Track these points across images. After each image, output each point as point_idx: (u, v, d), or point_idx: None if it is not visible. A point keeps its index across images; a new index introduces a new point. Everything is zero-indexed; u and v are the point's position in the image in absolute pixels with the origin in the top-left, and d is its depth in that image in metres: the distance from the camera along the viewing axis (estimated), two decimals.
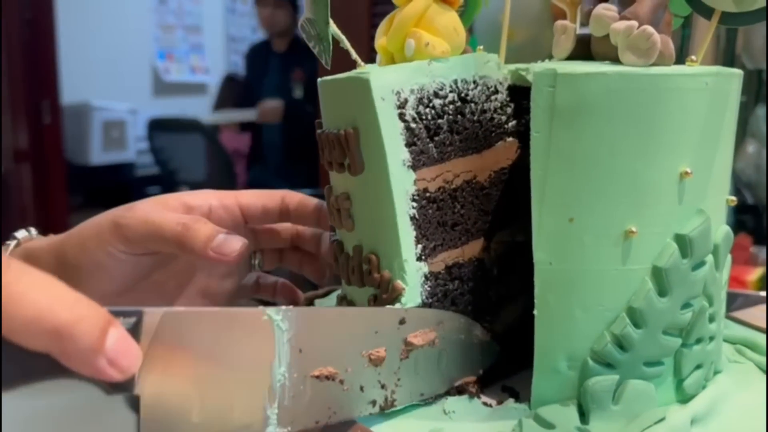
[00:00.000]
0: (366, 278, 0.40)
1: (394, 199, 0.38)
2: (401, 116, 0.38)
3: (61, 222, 2.55)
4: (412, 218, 0.39)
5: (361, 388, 0.36)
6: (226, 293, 0.50)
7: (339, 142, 0.39)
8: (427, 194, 0.40)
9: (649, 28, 0.35)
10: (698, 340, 0.38)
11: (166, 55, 3.96)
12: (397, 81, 0.38)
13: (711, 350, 0.40)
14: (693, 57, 0.37)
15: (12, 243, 0.47)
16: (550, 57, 0.42)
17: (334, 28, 0.39)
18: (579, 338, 0.36)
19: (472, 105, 0.41)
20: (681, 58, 0.37)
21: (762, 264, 1.32)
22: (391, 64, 0.41)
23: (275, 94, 2.54)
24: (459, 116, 0.41)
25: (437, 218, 0.40)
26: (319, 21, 0.39)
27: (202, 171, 2.82)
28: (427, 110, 0.39)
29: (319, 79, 0.41)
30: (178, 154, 2.91)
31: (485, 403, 0.40)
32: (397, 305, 0.38)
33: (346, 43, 0.40)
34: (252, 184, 2.63)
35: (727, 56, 1.41)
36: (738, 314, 0.52)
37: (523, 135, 0.43)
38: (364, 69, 0.39)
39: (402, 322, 0.37)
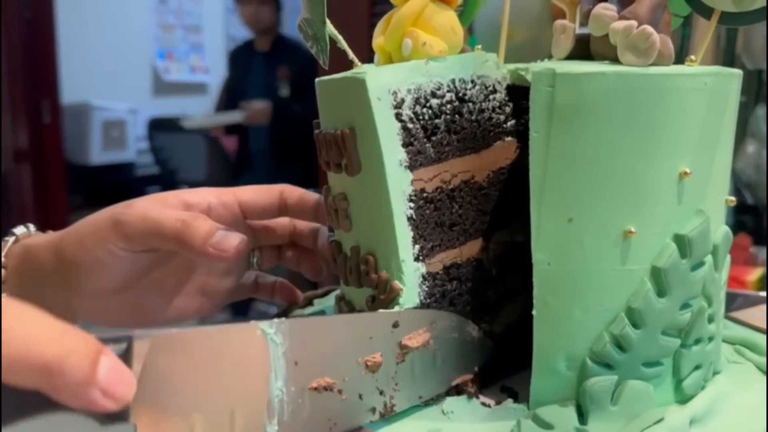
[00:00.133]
0: (364, 279, 0.40)
1: (391, 199, 0.38)
2: (398, 116, 0.38)
3: (61, 222, 2.55)
4: (410, 218, 0.39)
5: (360, 397, 0.36)
6: (225, 291, 0.50)
7: (336, 142, 0.39)
8: (425, 194, 0.39)
9: (649, 28, 0.35)
10: (697, 341, 0.38)
11: (166, 55, 3.96)
12: (394, 81, 0.38)
13: (710, 351, 0.39)
14: (692, 57, 0.37)
15: (10, 239, 0.47)
16: (550, 57, 0.42)
17: (330, 27, 0.39)
18: (578, 338, 0.36)
19: (470, 104, 0.41)
20: (681, 58, 0.37)
21: (762, 264, 1.32)
22: (388, 63, 0.41)
23: (261, 94, 2.49)
24: (457, 116, 0.40)
25: (435, 218, 0.40)
26: (315, 21, 0.39)
27: (202, 171, 2.81)
28: (425, 110, 0.39)
29: (316, 79, 0.41)
30: (178, 154, 2.91)
31: (484, 404, 0.40)
32: (395, 306, 0.38)
33: (343, 43, 0.40)
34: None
35: (727, 56, 1.41)
36: (737, 314, 0.51)
37: (522, 135, 0.43)
38: (360, 69, 0.39)
39: (395, 325, 0.37)
